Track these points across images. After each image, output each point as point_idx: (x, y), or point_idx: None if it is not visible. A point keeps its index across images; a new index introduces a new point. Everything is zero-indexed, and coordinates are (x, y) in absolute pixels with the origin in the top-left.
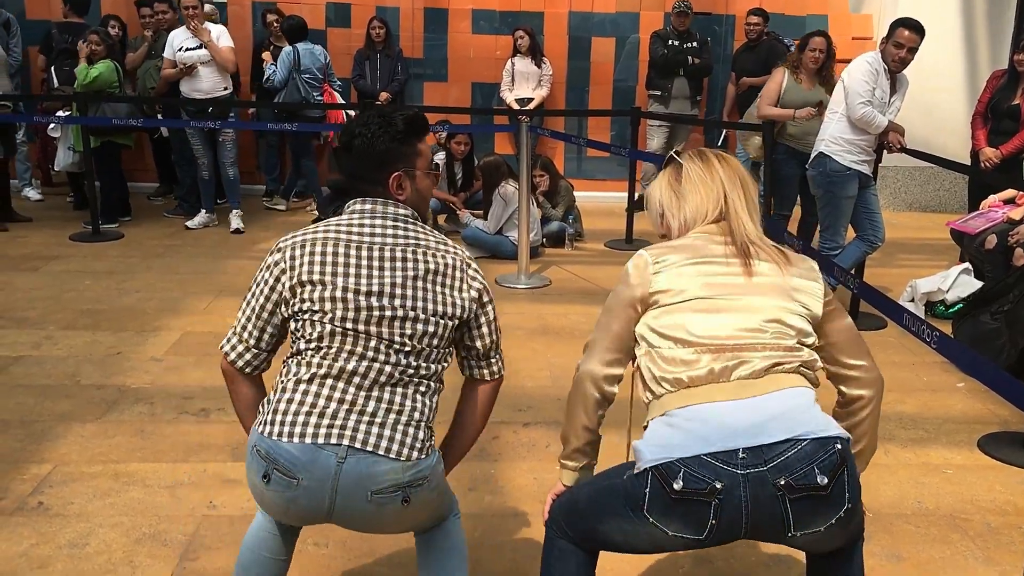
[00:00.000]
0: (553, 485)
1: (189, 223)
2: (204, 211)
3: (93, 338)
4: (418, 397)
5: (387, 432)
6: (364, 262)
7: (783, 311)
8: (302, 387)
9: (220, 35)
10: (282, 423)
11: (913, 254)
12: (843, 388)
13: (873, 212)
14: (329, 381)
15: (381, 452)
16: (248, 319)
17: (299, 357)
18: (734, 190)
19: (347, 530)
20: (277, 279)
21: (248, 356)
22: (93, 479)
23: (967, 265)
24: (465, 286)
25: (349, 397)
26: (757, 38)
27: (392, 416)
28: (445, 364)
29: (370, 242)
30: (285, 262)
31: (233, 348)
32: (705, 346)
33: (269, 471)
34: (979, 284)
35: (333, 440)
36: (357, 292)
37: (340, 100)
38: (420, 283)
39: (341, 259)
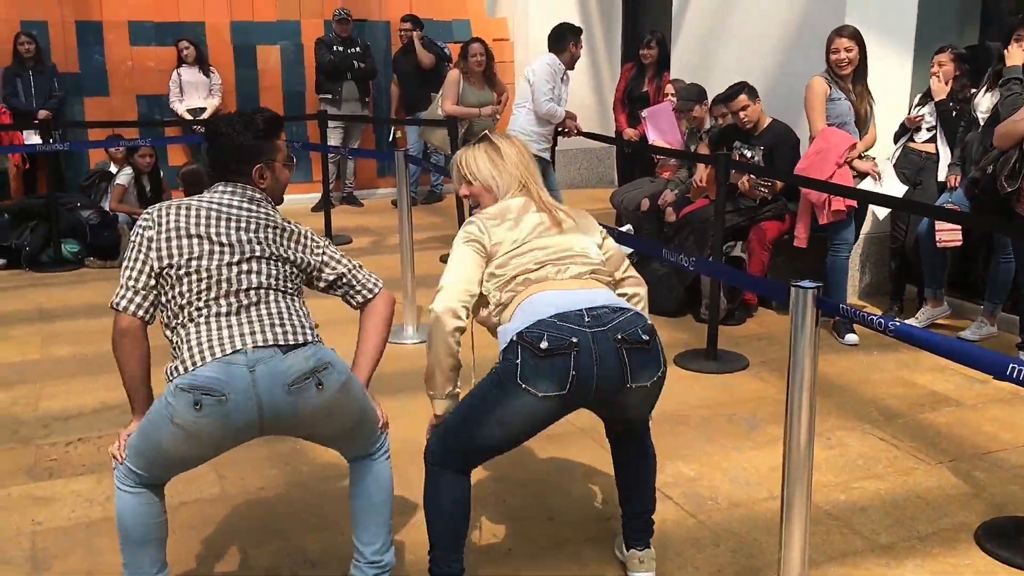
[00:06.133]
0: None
1: None
2: None
3: None
4: (290, 302)
5: (278, 327)
6: (222, 224)
7: (586, 242)
8: (202, 330)
9: None
10: (192, 358)
11: None
12: (619, 290)
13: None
14: (216, 321)
15: (281, 341)
16: (132, 273)
17: (179, 322)
18: (530, 167)
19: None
20: (149, 239)
21: (138, 299)
22: None
23: (629, 227)
24: (309, 250)
25: (239, 320)
26: (411, 43)
27: (277, 318)
28: (300, 288)
29: (228, 212)
30: (153, 222)
31: (125, 298)
32: (541, 264)
33: (198, 398)
34: None
35: (238, 346)
36: (220, 245)
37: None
38: (265, 235)
39: (203, 220)
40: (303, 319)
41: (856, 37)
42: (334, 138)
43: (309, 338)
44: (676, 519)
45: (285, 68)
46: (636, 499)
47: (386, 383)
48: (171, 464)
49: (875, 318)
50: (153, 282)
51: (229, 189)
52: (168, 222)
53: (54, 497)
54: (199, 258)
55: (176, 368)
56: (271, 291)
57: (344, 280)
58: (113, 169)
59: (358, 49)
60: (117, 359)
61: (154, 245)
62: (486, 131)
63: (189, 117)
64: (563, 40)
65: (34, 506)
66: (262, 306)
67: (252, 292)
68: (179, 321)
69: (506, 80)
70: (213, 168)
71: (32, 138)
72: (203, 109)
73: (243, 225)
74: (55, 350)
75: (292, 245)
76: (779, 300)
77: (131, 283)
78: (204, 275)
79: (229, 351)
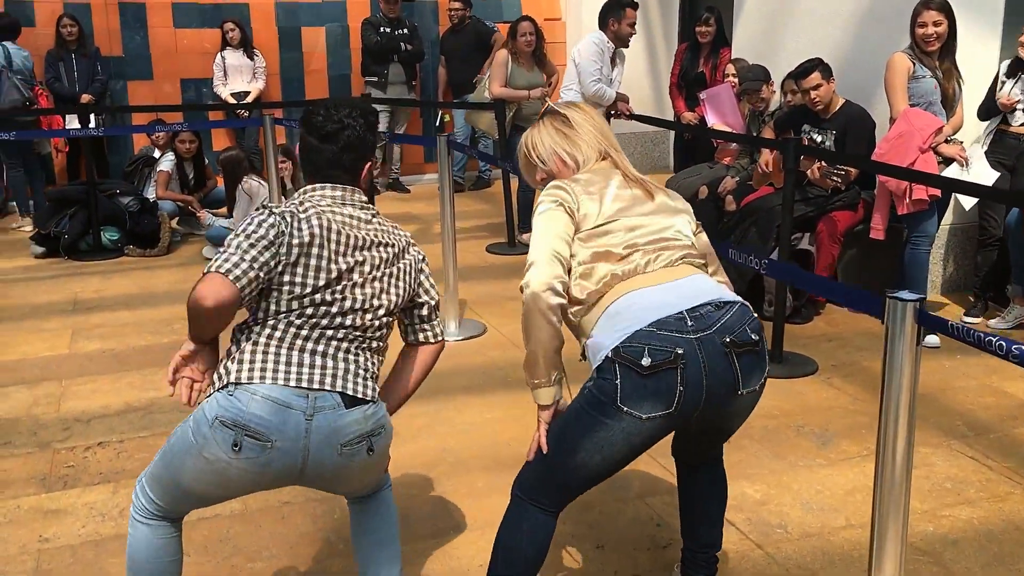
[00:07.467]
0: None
1: None
2: None
3: None
4: (369, 356)
5: (349, 379)
6: (346, 249)
7: (680, 222)
8: (272, 346)
9: None
10: (250, 370)
11: None
12: None
13: None
14: (289, 345)
15: (349, 391)
16: (247, 256)
17: (265, 324)
18: (606, 132)
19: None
20: (280, 233)
21: (246, 279)
22: None
23: None
24: (412, 268)
25: (315, 352)
26: (460, 23)
27: (352, 368)
28: (388, 329)
29: (349, 231)
30: (285, 226)
31: (237, 270)
32: (631, 249)
33: (239, 438)
34: None
35: (304, 384)
36: (337, 279)
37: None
38: (385, 276)
39: (332, 243)
40: (374, 379)
41: (945, 9)
42: (380, 122)
43: (374, 395)
44: (741, 550)
45: (331, 50)
46: (703, 534)
47: (424, 384)
48: (187, 499)
49: (994, 339)
50: (266, 271)
51: (339, 195)
52: (296, 233)
53: (65, 509)
54: (324, 288)
55: (227, 371)
56: (356, 343)
57: (421, 314)
58: (157, 155)
59: (406, 31)
60: (201, 320)
61: (289, 247)
62: (549, 104)
63: (233, 101)
64: (605, 16)
65: (43, 520)
66: (337, 355)
67: (342, 331)
68: (259, 325)
69: (557, 62)
70: (328, 164)
71: (74, 123)
72: (247, 93)
73: (361, 244)
74: (85, 344)
75: (402, 273)
76: (872, 312)
77: (249, 257)
78: (302, 302)
79: (293, 384)
